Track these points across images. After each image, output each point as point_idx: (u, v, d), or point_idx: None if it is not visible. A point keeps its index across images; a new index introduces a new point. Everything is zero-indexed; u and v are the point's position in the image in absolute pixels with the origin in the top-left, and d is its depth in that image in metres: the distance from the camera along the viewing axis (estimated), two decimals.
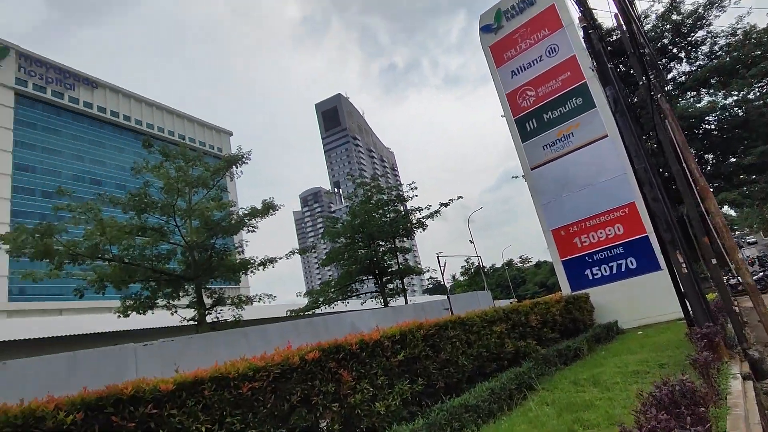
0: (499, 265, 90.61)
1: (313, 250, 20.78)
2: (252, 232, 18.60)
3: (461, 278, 75.53)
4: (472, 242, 45.46)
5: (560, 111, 16.00)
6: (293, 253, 20.81)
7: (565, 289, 15.46)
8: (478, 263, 47.58)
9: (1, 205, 53.20)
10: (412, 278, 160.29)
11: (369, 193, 26.08)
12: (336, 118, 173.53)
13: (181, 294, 17.22)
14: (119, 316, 16.23)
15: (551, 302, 11.25)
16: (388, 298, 25.82)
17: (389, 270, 25.92)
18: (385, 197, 26.43)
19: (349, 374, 4.89)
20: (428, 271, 31.45)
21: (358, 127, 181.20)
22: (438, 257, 29.80)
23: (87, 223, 14.90)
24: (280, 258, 20.04)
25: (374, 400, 5.02)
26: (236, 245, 18.98)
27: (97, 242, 13.99)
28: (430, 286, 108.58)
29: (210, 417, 3.71)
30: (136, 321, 17.72)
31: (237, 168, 18.51)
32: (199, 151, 18.22)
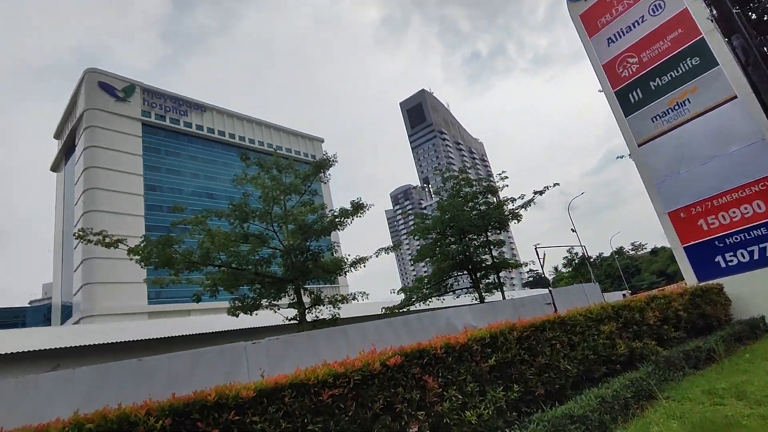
0: (607, 253, 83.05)
1: (399, 248, 20.77)
2: (339, 230, 19.09)
3: (564, 270, 70.60)
4: (574, 231, 42.11)
5: (671, 76, 13.88)
6: (383, 251, 20.99)
7: (690, 279, 13.36)
8: (583, 253, 43.91)
9: (137, 221, 61.77)
10: (510, 272, 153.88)
11: (457, 187, 25.43)
12: (421, 115, 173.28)
13: (282, 295, 18.31)
14: (233, 316, 17.74)
15: (673, 295, 9.73)
16: (485, 293, 24.91)
17: (483, 264, 24.99)
18: (474, 189, 25.56)
19: (435, 380, 4.57)
20: (526, 264, 29.81)
21: (444, 120, 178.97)
22: (536, 249, 28.07)
23: (198, 234, 16.49)
24: (369, 257, 20.33)
25: (464, 409, 4.64)
26: (329, 246, 19.66)
27: (207, 251, 15.38)
28: (530, 279, 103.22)
29: (291, 424, 3.66)
30: (246, 321, 19.19)
31: (325, 172, 19.13)
32: (290, 160, 19.19)
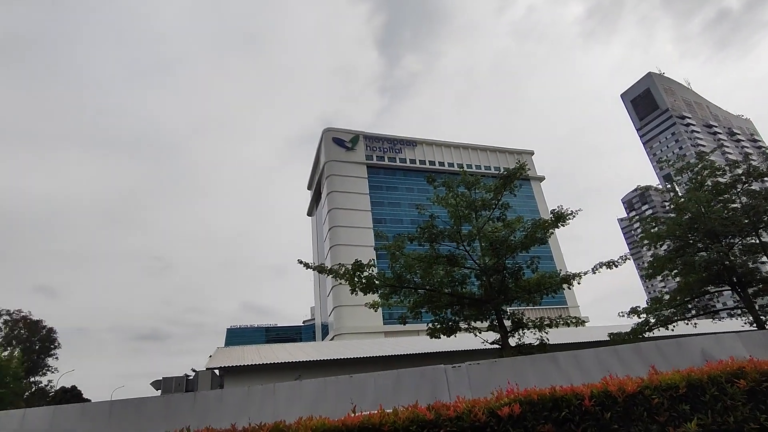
0: None
1: (624, 261, 16.95)
2: (539, 245, 17.06)
3: None
4: None
5: None
6: (604, 265, 17.46)
7: None
8: None
9: (369, 251, 70.51)
10: None
11: (698, 178, 19.87)
12: (651, 102, 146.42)
13: (482, 317, 17.35)
14: (434, 338, 17.74)
15: None
16: (763, 317, 18.23)
17: (757, 277, 18.45)
18: (727, 178, 19.47)
19: None
20: None
21: (685, 102, 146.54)
22: None
23: (398, 260, 17.24)
24: (585, 273, 17.44)
25: None
26: (528, 264, 17.71)
27: (399, 274, 15.93)
28: None
29: None
30: (447, 343, 18.92)
31: (514, 183, 17.60)
32: (477, 176, 18.38)
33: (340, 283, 16.81)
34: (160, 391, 20.98)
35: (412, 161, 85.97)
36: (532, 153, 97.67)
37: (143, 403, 9.35)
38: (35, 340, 45.20)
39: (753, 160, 20.81)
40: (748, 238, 18.89)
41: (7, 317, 44.28)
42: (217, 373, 21.46)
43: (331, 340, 65.86)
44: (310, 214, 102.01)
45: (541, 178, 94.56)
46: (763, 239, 18.54)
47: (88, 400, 41.73)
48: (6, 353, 34.60)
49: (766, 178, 18.85)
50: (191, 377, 20.64)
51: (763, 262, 19.32)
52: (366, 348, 24.48)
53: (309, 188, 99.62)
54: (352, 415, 3.32)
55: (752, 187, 19.17)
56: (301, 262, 16.73)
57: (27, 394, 39.38)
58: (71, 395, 43.22)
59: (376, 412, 3.19)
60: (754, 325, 17.92)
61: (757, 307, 18.15)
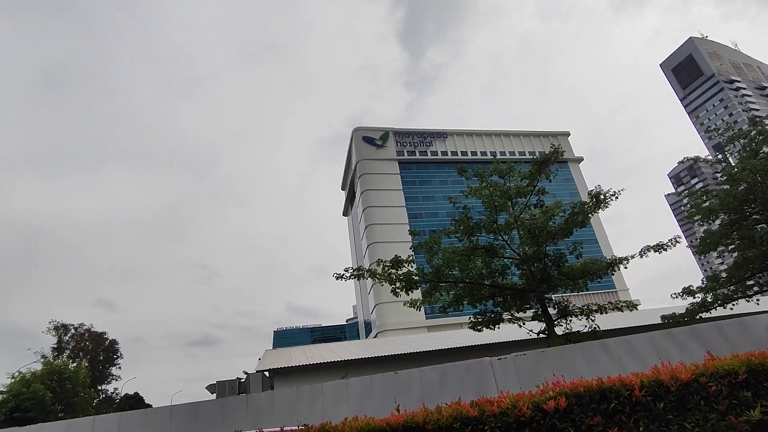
0: None
1: (675, 244, 16.01)
2: (579, 229, 16.52)
3: None
4: None
5: None
6: (651, 249, 16.47)
7: None
8: None
9: (406, 246, 70.44)
10: None
11: (752, 145, 18.62)
12: (695, 69, 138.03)
13: (526, 307, 16.98)
14: (476, 330, 17.52)
15: None
16: None
17: None
18: None
19: None
20: None
21: (732, 65, 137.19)
22: None
23: (436, 254, 17.09)
24: (632, 256, 16.73)
25: None
26: (571, 249, 17.12)
27: (438, 268, 15.83)
28: None
29: None
30: (491, 335, 18.67)
31: (549, 167, 17.07)
32: (509, 163, 17.93)
33: (381, 285, 16.79)
34: (215, 394, 21.91)
35: (444, 153, 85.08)
36: (567, 134, 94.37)
37: (200, 407, 9.82)
38: (100, 351, 48.30)
39: None
40: None
41: (74, 332, 47.50)
42: (267, 375, 22.14)
43: (375, 337, 66.41)
44: (345, 214, 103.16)
45: (579, 159, 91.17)
46: None
47: (149, 405, 44.21)
48: (75, 365, 37.17)
49: None
50: (243, 380, 21.42)
51: None
52: (410, 344, 24.54)
53: (343, 189, 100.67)
54: (396, 413, 3.35)
55: None
56: (338, 277, 16.13)
57: (96, 401, 42.21)
58: (135, 401, 45.91)
59: (419, 410, 3.20)
60: None
61: None
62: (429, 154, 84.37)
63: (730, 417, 3.04)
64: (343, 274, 16.15)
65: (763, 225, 17.23)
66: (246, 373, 22.20)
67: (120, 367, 49.77)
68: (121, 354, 50.21)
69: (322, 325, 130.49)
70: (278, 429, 3.60)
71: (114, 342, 50.03)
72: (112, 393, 48.35)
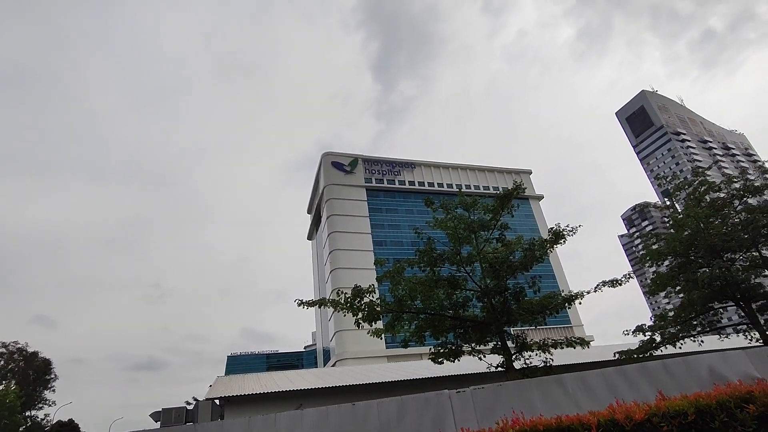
0: None
1: (628, 280, 16.82)
2: (538, 263, 17.00)
3: None
4: None
5: None
6: (606, 284, 17.23)
7: None
8: None
9: (370, 273, 70.17)
10: None
11: (695, 194, 19.98)
12: (646, 119, 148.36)
13: (485, 340, 17.13)
14: (437, 363, 17.43)
15: None
16: None
17: (761, 291, 18.31)
18: (723, 194, 19.56)
19: None
20: None
21: (679, 118, 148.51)
22: None
23: (399, 284, 17.04)
24: (587, 292, 17.32)
25: None
26: (529, 283, 17.56)
27: (400, 299, 15.78)
28: None
29: None
30: (451, 367, 18.62)
31: (512, 202, 17.64)
32: (474, 197, 18.46)
33: (344, 315, 16.50)
34: (159, 422, 20.55)
35: (411, 183, 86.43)
36: (529, 172, 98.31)
37: None
38: (31, 372, 44.45)
39: (750, 174, 20.89)
40: (748, 253, 18.85)
41: (3, 350, 43.65)
42: (218, 403, 21.05)
43: (333, 365, 64.76)
44: (310, 237, 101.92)
45: (540, 197, 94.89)
46: (763, 254, 18.48)
47: None
48: (2, 387, 33.97)
49: (763, 193, 18.94)
50: (191, 408, 20.24)
51: (765, 276, 19.22)
52: (369, 374, 24.08)
53: (309, 212, 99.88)
54: None
55: (750, 202, 19.26)
56: (300, 304, 15.68)
57: (22, 429, 38.45)
58: (68, 429, 42.23)
59: None
60: (761, 341, 17.69)
61: (762, 323, 17.96)
62: (397, 182, 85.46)
63: None
64: (306, 301, 15.77)
65: (705, 269, 18.31)
66: (195, 400, 21.02)
67: (54, 390, 45.97)
68: (55, 375, 46.46)
69: (279, 351, 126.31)
70: None
71: (48, 362, 46.26)
72: (43, 419, 44.29)
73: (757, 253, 18.39)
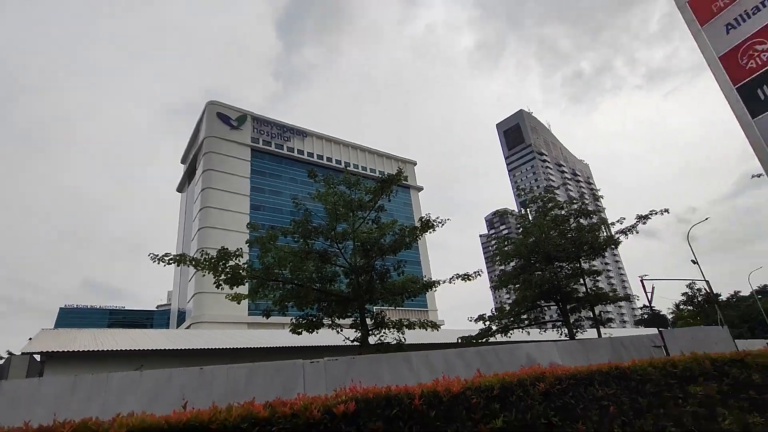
0: (746, 293, 69.70)
1: (477, 276, 18.88)
2: (407, 249, 18.10)
3: (685, 308, 60.55)
4: (695, 262, 35.67)
5: None
6: (459, 278, 19.06)
7: None
8: (707, 289, 37.00)
9: (240, 236, 67.11)
10: (620, 306, 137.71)
11: (544, 208, 23.04)
12: (519, 136, 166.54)
13: (346, 315, 17.76)
14: (296, 334, 17.57)
15: None
16: (580, 330, 21.91)
17: (575, 296, 22.06)
18: (565, 212, 22.90)
19: None
20: (637, 298, 26.05)
21: (545, 141, 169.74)
22: (642, 281, 24.03)
23: (269, 252, 16.61)
24: (440, 282, 18.91)
25: None
26: (395, 266, 18.65)
27: (268, 267, 15.45)
28: (644, 316, 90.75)
29: None
30: (309, 339, 18.95)
31: (392, 188, 18.38)
32: (358, 177, 18.80)
33: (203, 275, 15.57)
34: None
35: (300, 152, 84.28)
36: (414, 163, 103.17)
37: None
38: None
39: (586, 199, 25.20)
40: (572, 264, 22.53)
41: None
42: (38, 359, 18.37)
43: (187, 328, 60.97)
44: (180, 190, 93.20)
45: (420, 188, 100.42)
46: (583, 266, 22.28)
47: None
48: None
49: (592, 217, 22.73)
50: (2, 362, 17.28)
51: (580, 284, 23.25)
52: (222, 339, 23.21)
53: (183, 162, 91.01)
54: (183, 410, 3.12)
55: (581, 222, 22.98)
56: (155, 259, 14.30)
57: None
58: None
59: (208, 408, 3.04)
60: (568, 335, 21.46)
61: (571, 321, 21.75)
62: (285, 149, 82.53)
63: (482, 425, 3.70)
64: (162, 257, 14.47)
65: (540, 273, 21.45)
66: (9, 354, 17.96)
67: None
68: None
69: (126, 308, 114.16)
70: (37, 426, 2.98)
71: None
72: None
73: (579, 265, 22.08)
